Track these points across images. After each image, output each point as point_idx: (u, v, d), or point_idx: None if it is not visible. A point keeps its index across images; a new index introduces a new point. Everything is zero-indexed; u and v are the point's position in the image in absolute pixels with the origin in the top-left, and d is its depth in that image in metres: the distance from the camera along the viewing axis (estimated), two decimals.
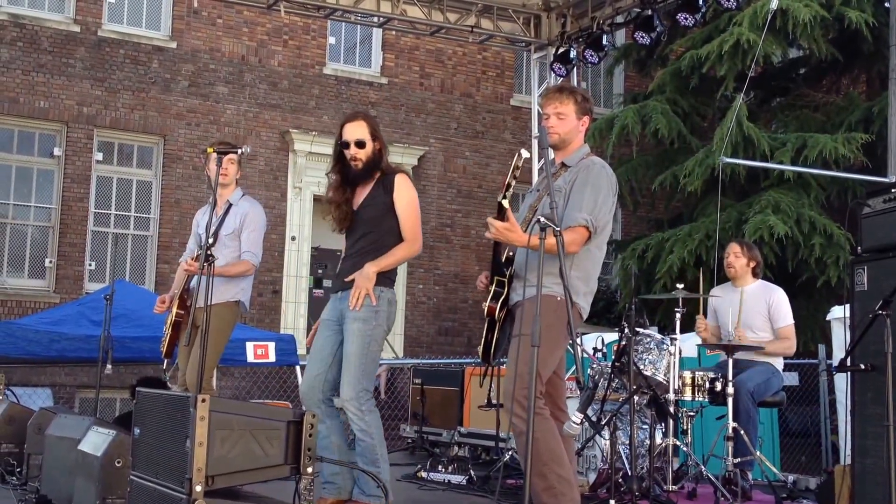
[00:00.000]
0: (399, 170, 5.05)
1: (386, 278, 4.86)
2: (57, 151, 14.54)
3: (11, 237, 14.44)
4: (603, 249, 4.54)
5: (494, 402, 7.16)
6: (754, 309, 6.68)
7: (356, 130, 4.89)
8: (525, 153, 4.05)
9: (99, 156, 14.80)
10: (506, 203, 4.13)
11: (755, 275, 6.86)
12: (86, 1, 14.81)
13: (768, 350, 6.55)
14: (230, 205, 6.01)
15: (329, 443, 4.86)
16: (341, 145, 4.94)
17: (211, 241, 5.61)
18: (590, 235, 4.34)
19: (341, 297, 4.91)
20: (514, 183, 4.14)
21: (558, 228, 3.91)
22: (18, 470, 6.19)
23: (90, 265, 14.58)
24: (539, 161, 10.61)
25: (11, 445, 6.37)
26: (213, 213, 5.78)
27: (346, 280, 4.90)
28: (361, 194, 4.98)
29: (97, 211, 14.81)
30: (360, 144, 4.88)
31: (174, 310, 5.96)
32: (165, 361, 6.23)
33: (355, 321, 4.77)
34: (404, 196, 4.88)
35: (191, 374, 5.74)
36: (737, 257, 6.80)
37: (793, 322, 6.71)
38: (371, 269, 4.76)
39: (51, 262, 14.36)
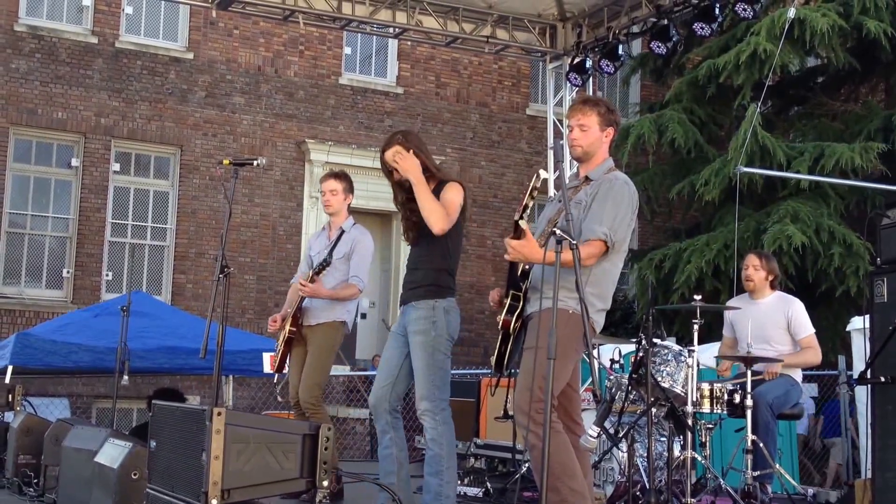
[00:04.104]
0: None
1: (440, 288, 4.96)
2: (75, 162, 14.61)
3: (29, 248, 14.50)
4: (619, 266, 4.51)
5: (510, 413, 7.13)
6: (772, 321, 6.62)
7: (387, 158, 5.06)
8: (543, 174, 4.02)
9: (116, 166, 14.86)
10: (523, 224, 4.11)
11: (773, 287, 6.81)
12: (103, 13, 14.90)
13: (793, 363, 6.48)
14: (342, 231, 6.40)
15: (390, 453, 4.96)
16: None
17: (325, 262, 6.12)
18: (607, 249, 4.31)
19: (404, 310, 5.05)
20: (531, 203, 4.11)
21: (574, 242, 3.88)
22: (35, 481, 6.21)
23: (107, 275, 14.62)
24: (555, 172, 10.59)
25: (28, 456, 6.39)
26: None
27: (404, 294, 5.06)
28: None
29: (114, 221, 14.87)
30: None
31: (287, 327, 6.35)
32: (276, 375, 6.75)
33: (416, 335, 4.92)
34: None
35: (302, 391, 6.15)
36: (756, 270, 6.74)
37: (814, 331, 6.65)
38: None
39: (68, 272, 14.42)
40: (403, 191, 5.03)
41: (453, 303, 5.02)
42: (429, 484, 4.85)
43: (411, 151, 4.96)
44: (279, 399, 7.19)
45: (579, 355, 4.49)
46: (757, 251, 7.05)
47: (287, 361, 6.45)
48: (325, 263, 6.11)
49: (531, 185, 4.03)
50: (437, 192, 4.97)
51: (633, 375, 5.94)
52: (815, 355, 6.58)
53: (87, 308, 11.58)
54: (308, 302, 6.31)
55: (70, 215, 14.59)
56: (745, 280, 6.81)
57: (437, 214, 4.82)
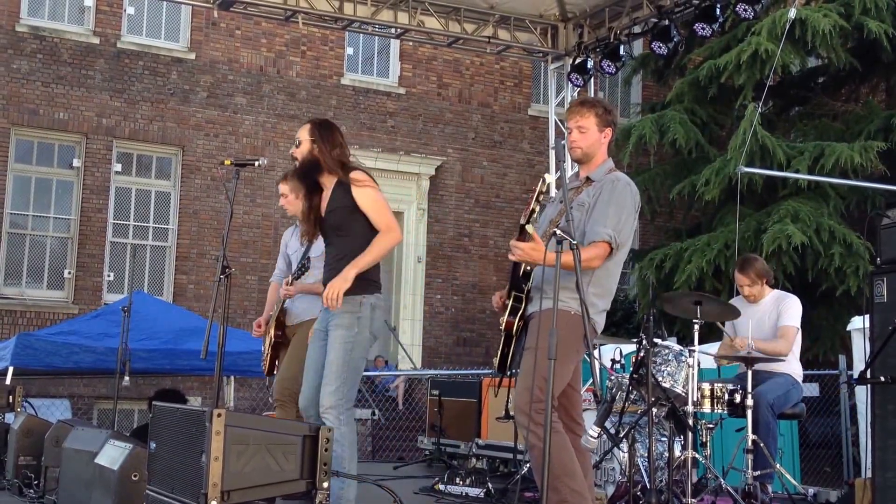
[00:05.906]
0: (353, 166, 4.91)
1: (368, 283, 4.74)
2: (76, 163, 14.62)
3: (31, 248, 14.52)
4: (620, 266, 4.52)
5: (511, 414, 7.12)
6: (771, 321, 6.61)
7: (299, 132, 4.97)
8: (549, 177, 4.04)
9: (118, 167, 14.87)
10: (530, 228, 4.11)
11: (769, 284, 6.79)
12: (105, 13, 14.92)
13: (762, 347, 6.36)
14: None
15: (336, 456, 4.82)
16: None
17: (303, 267, 5.94)
18: (612, 251, 4.32)
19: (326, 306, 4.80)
20: (538, 208, 4.12)
21: (575, 242, 3.89)
22: (36, 483, 6.20)
23: (109, 276, 14.63)
24: (556, 172, 10.59)
25: (29, 458, 6.37)
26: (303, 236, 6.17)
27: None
28: (324, 200, 4.91)
29: (116, 222, 14.88)
30: (297, 144, 4.96)
31: (272, 331, 6.23)
32: (267, 379, 6.68)
33: (338, 328, 4.70)
34: (364, 193, 4.77)
35: (281, 380, 6.04)
36: (751, 286, 6.67)
37: (795, 325, 6.52)
38: (350, 271, 4.60)
39: (70, 273, 14.43)
40: (307, 188, 4.93)
41: (380, 299, 4.83)
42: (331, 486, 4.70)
43: (315, 144, 4.86)
44: (273, 403, 7.16)
45: (580, 356, 4.50)
46: (739, 264, 6.86)
47: (276, 364, 6.31)
48: (304, 269, 5.94)
49: (537, 189, 4.04)
50: (342, 186, 4.81)
51: (634, 375, 5.94)
52: (783, 346, 6.44)
53: (89, 313, 11.58)
54: (290, 303, 6.16)
55: (71, 216, 14.59)
56: (746, 297, 6.76)
57: (386, 244, 4.72)
